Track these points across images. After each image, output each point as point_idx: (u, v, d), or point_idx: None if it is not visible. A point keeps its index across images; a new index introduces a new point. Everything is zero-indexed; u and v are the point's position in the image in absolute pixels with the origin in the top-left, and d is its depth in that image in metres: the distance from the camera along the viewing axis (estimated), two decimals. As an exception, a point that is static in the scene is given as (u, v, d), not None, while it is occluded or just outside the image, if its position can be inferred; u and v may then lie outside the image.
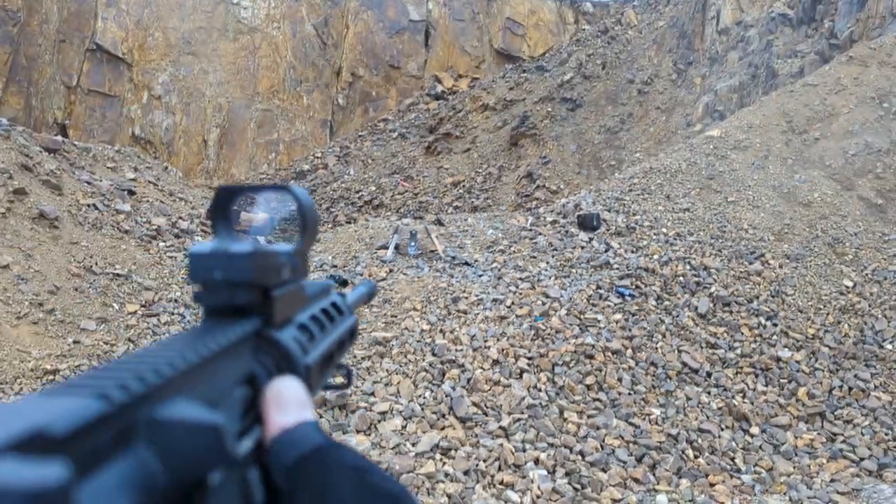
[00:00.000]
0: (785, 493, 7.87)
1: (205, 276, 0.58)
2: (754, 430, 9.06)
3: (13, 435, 0.32)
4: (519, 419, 8.23)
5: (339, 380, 0.83)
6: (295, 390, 0.58)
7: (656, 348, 10.14)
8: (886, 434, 9.12)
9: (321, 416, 7.80)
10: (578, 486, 7.39)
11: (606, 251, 12.45)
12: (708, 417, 9.14)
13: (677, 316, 10.85)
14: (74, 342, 10.05)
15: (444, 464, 7.29)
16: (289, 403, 0.57)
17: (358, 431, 7.68)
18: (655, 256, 12.16)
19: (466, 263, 12.57)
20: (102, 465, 0.37)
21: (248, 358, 0.59)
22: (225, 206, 0.66)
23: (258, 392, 0.57)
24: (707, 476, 8.05)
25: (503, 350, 9.44)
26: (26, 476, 0.30)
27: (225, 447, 0.43)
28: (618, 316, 10.56)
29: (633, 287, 11.32)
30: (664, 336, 10.42)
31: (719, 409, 9.34)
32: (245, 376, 0.57)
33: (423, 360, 9.21)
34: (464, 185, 27.34)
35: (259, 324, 0.61)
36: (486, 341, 9.68)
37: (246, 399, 0.55)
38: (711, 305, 11.15)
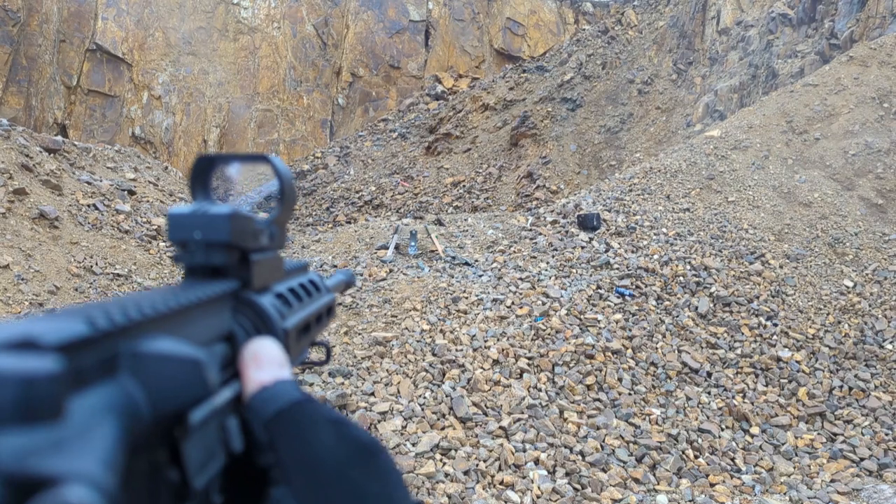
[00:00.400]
0: (785, 494, 7.87)
1: (183, 235, 0.59)
2: (754, 430, 9.06)
3: (3, 338, 0.33)
4: (519, 419, 8.23)
5: (318, 356, 0.84)
6: (273, 350, 0.60)
7: (656, 348, 10.14)
8: (886, 434, 9.12)
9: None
10: (578, 487, 7.39)
11: (606, 251, 12.45)
12: (708, 417, 9.14)
13: (677, 316, 10.85)
14: (74, 342, 10.04)
15: (444, 464, 7.29)
16: (267, 362, 0.58)
17: (358, 431, 7.67)
18: (655, 256, 12.16)
19: (466, 263, 12.57)
20: (88, 387, 0.38)
21: (228, 317, 0.60)
22: (204, 173, 0.67)
23: (236, 351, 0.58)
24: (707, 476, 8.05)
25: (503, 350, 9.44)
26: (20, 364, 0.32)
27: (206, 381, 0.44)
28: (618, 316, 10.56)
29: (634, 287, 11.32)
30: (664, 336, 10.42)
31: (719, 409, 9.34)
32: (224, 334, 0.58)
33: (424, 360, 9.21)
34: (464, 185, 27.34)
35: (237, 285, 0.62)
36: (486, 341, 9.68)
37: (225, 355, 0.56)
38: (711, 305, 11.15)
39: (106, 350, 0.40)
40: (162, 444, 0.44)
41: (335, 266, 12.81)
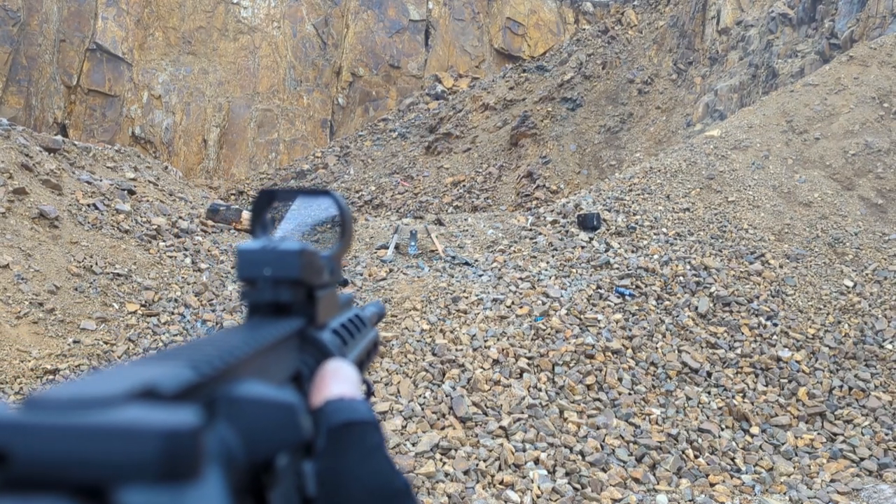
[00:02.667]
0: (785, 493, 7.87)
1: (253, 272, 0.59)
2: (754, 429, 9.06)
3: (127, 388, 0.32)
4: (519, 419, 8.23)
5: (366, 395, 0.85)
6: (352, 370, 0.61)
7: (656, 348, 10.14)
8: (886, 434, 9.12)
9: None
10: (578, 486, 7.39)
11: (606, 251, 12.45)
12: (708, 417, 9.14)
13: (677, 316, 10.85)
14: (74, 342, 10.05)
15: (444, 464, 7.29)
16: (346, 378, 0.59)
17: (358, 431, 7.68)
18: (655, 256, 12.16)
19: (466, 263, 12.56)
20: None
21: (295, 356, 0.60)
22: (264, 208, 0.67)
23: (304, 390, 0.58)
24: (707, 476, 8.05)
25: (503, 350, 9.44)
26: (160, 417, 0.30)
27: (300, 426, 0.43)
28: (618, 316, 10.56)
29: (633, 287, 11.32)
30: (664, 336, 10.42)
31: (719, 408, 9.34)
32: (292, 373, 0.58)
33: (423, 359, 9.21)
34: (464, 185, 27.34)
35: (303, 323, 0.62)
36: (486, 341, 9.68)
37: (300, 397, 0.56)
38: (711, 305, 11.15)
39: (208, 394, 0.40)
40: (248, 493, 0.42)
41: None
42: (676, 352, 10.14)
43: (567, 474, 7.53)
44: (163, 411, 0.31)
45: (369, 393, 0.82)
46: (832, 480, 8.19)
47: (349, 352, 0.71)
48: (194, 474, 0.31)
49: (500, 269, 12.04)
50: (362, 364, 0.76)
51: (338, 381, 0.58)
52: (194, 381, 0.37)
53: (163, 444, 0.29)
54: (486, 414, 8.33)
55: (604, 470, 7.75)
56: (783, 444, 8.85)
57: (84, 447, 0.29)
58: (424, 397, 8.46)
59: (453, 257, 12.89)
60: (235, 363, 0.44)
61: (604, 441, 8.25)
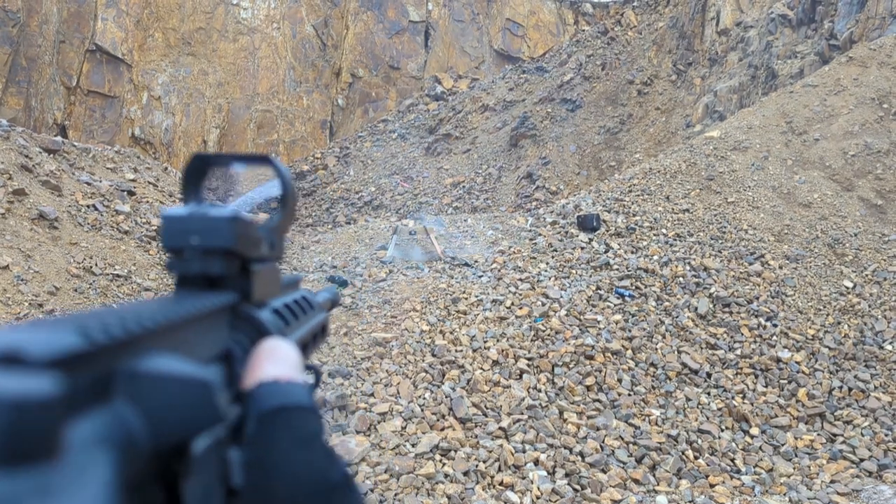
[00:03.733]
0: (785, 494, 7.87)
1: (180, 241, 0.53)
2: (754, 430, 9.06)
3: None
4: (519, 420, 8.23)
5: (309, 380, 0.80)
6: (290, 350, 0.56)
7: (656, 349, 10.14)
8: (886, 435, 9.12)
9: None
10: (578, 487, 7.39)
11: (606, 252, 12.45)
12: (708, 418, 9.14)
13: (677, 317, 10.85)
14: (74, 343, 10.04)
15: (444, 465, 7.29)
16: (284, 359, 0.54)
17: (358, 432, 7.68)
18: (655, 257, 12.16)
19: (466, 264, 12.56)
20: (79, 414, 0.32)
21: (225, 334, 0.54)
22: (199, 174, 0.60)
23: (234, 371, 0.53)
24: (707, 477, 8.05)
25: (503, 351, 9.44)
26: (11, 385, 0.26)
27: (215, 406, 0.39)
28: (617, 317, 10.56)
29: (633, 288, 11.32)
30: (664, 337, 10.42)
31: (719, 409, 9.34)
32: (221, 353, 0.52)
33: (423, 360, 9.20)
34: (463, 186, 27.34)
35: (236, 298, 0.56)
36: (485, 342, 9.68)
37: (222, 377, 0.51)
38: (711, 306, 11.15)
39: (100, 369, 0.35)
40: (157, 482, 0.37)
41: (335, 267, 12.80)
42: (676, 353, 10.14)
43: (567, 475, 7.53)
44: (13, 378, 0.27)
45: (317, 381, 0.77)
46: (832, 481, 8.19)
47: (291, 332, 0.64)
48: (47, 455, 0.26)
49: (499, 270, 12.04)
50: (306, 347, 0.71)
51: (273, 361, 0.53)
52: (78, 350, 0.32)
53: (4, 418, 0.25)
54: (485, 415, 8.33)
55: (603, 471, 7.75)
56: (783, 444, 8.85)
57: None
58: (424, 398, 8.46)
59: (453, 258, 12.89)
60: (141, 334, 0.38)
61: (603, 442, 8.25)
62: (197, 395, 0.38)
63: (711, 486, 7.87)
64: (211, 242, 0.53)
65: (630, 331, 10.33)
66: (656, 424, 8.76)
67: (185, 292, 0.54)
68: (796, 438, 9.00)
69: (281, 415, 0.49)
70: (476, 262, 12.69)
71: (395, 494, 6.70)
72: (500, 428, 8.06)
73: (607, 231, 13.12)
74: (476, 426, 8.10)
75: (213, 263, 0.54)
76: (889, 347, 10.76)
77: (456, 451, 7.52)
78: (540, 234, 13.43)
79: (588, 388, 9.18)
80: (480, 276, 11.85)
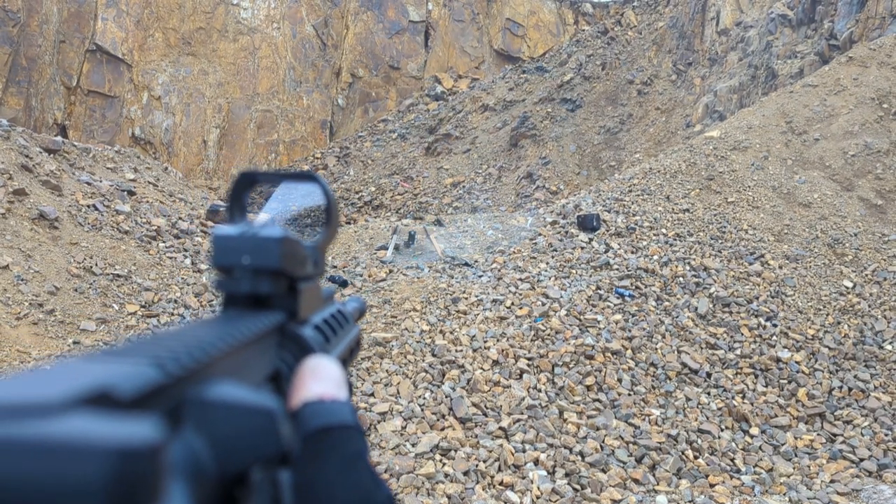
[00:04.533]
0: (785, 494, 7.87)
1: (230, 260, 0.53)
2: (754, 430, 9.06)
3: (76, 391, 0.27)
4: (519, 420, 8.24)
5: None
6: (334, 368, 0.56)
7: (656, 349, 10.15)
8: (886, 435, 9.12)
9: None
10: (578, 487, 7.39)
11: (606, 252, 12.46)
12: (708, 418, 9.14)
13: (677, 316, 10.85)
14: (74, 343, 10.05)
15: (444, 464, 7.30)
16: (327, 377, 0.54)
17: (358, 432, 7.68)
18: (655, 257, 12.16)
19: (466, 264, 12.57)
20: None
21: (273, 354, 0.54)
22: (245, 191, 0.61)
23: (282, 391, 0.53)
24: (707, 477, 8.06)
25: (503, 351, 9.44)
26: (112, 431, 0.25)
27: (280, 435, 0.38)
28: (617, 316, 10.56)
29: (633, 288, 11.32)
30: (664, 337, 10.42)
31: (719, 409, 9.34)
32: (271, 373, 0.53)
33: (423, 360, 9.21)
34: (463, 186, 27.34)
35: (284, 317, 0.57)
36: (485, 342, 9.68)
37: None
38: (711, 306, 11.16)
39: (174, 397, 0.34)
40: None
41: (335, 267, 12.81)
42: (676, 352, 10.14)
43: (567, 475, 7.54)
44: (116, 423, 0.26)
45: (350, 391, 0.77)
46: (832, 481, 8.20)
47: (332, 348, 0.65)
48: (153, 500, 0.26)
49: (499, 270, 12.05)
50: (345, 362, 0.71)
51: (318, 380, 0.53)
52: (159, 383, 0.32)
53: (113, 466, 0.24)
54: (485, 415, 8.34)
55: (603, 471, 7.75)
56: (783, 444, 8.85)
57: (12, 468, 0.23)
58: (424, 398, 8.46)
59: (453, 258, 12.90)
60: (207, 361, 0.38)
61: (603, 442, 8.26)
62: (262, 424, 0.38)
63: (711, 485, 7.88)
64: (261, 262, 0.53)
65: (630, 331, 10.34)
66: (656, 424, 8.76)
67: (233, 311, 0.54)
68: (796, 438, 9.00)
69: (327, 435, 0.49)
70: (476, 261, 12.69)
71: (396, 494, 6.70)
72: (500, 428, 8.07)
73: (607, 231, 13.12)
74: (476, 426, 8.10)
75: (262, 283, 0.54)
76: (889, 347, 10.77)
77: (456, 450, 7.53)
78: (540, 234, 13.44)
79: (588, 387, 9.18)
80: (480, 276, 11.85)
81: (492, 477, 7.30)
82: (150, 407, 0.31)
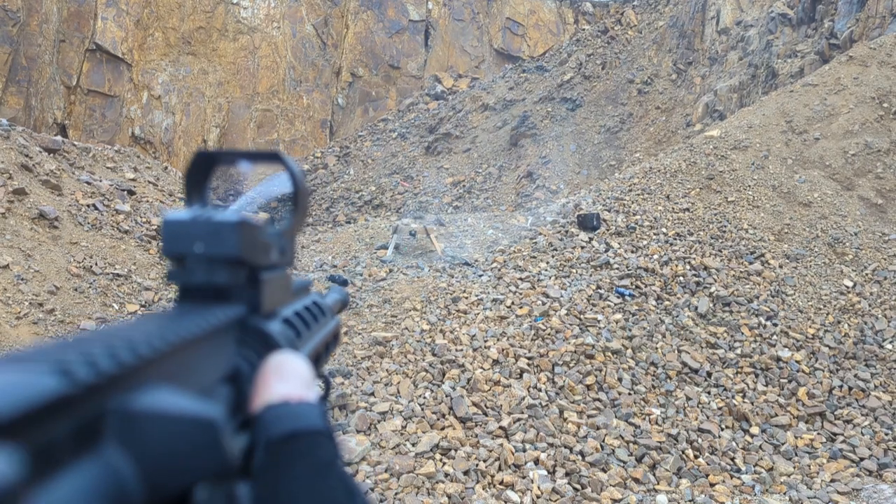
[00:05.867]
0: (785, 493, 7.87)
1: (182, 248, 0.48)
2: (754, 430, 9.06)
3: None
4: (519, 419, 8.23)
5: (318, 389, 0.73)
6: (301, 365, 0.50)
7: (656, 348, 10.14)
8: (886, 434, 9.12)
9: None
10: (578, 487, 7.39)
11: (606, 251, 12.45)
12: (708, 417, 9.14)
13: (677, 316, 10.85)
14: (74, 342, 10.04)
15: (444, 464, 7.29)
16: (293, 376, 0.49)
17: (358, 431, 7.68)
18: (655, 256, 12.16)
19: (466, 263, 12.56)
20: (57, 470, 0.27)
21: (232, 351, 0.49)
22: (203, 172, 0.55)
23: (242, 392, 0.47)
24: (707, 476, 8.06)
25: (503, 350, 9.44)
26: None
27: (222, 449, 0.34)
28: (618, 316, 10.56)
29: (633, 287, 11.32)
30: (664, 336, 10.42)
31: (719, 409, 9.34)
32: (228, 372, 0.48)
33: (423, 360, 9.21)
34: (464, 185, 27.34)
35: (244, 311, 0.52)
36: (486, 341, 9.68)
37: (230, 400, 0.46)
38: (711, 305, 11.15)
39: (87, 410, 0.29)
40: None
41: (335, 266, 12.80)
42: (676, 352, 10.14)
43: (567, 474, 7.53)
44: None
45: (327, 392, 0.71)
46: (832, 480, 8.19)
47: (303, 344, 0.60)
48: None
49: (499, 270, 12.04)
50: (319, 358, 0.66)
51: (282, 379, 0.48)
52: (58, 395, 0.27)
53: None
54: (485, 414, 8.33)
55: (604, 470, 7.75)
56: (783, 444, 8.85)
57: None
58: (424, 397, 8.46)
59: (453, 257, 12.89)
60: (136, 364, 0.33)
61: (604, 441, 8.26)
62: (200, 437, 0.33)
63: (711, 485, 7.88)
64: (216, 250, 0.48)
65: (630, 330, 10.33)
66: (656, 423, 8.76)
67: (187, 305, 0.49)
68: (796, 437, 9.00)
69: (292, 442, 0.44)
70: (476, 261, 12.69)
71: (396, 494, 6.70)
72: (501, 427, 8.07)
73: (607, 230, 13.11)
74: (476, 425, 8.10)
75: (218, 273, 0.49)
76: (889, 346, 10.76)
77: (456, 450, 7.52)
78: (540, 234, 13.43)
79: (588, 387, 9.18)
80: (481, 276, 11.85)
81: (492, 476, 7.30)
82: (44, 427, 0.27)
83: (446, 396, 8.43)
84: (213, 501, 0.35)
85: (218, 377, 0.46)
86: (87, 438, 0.30)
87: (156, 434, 0.32)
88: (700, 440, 8.63)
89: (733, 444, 8.74)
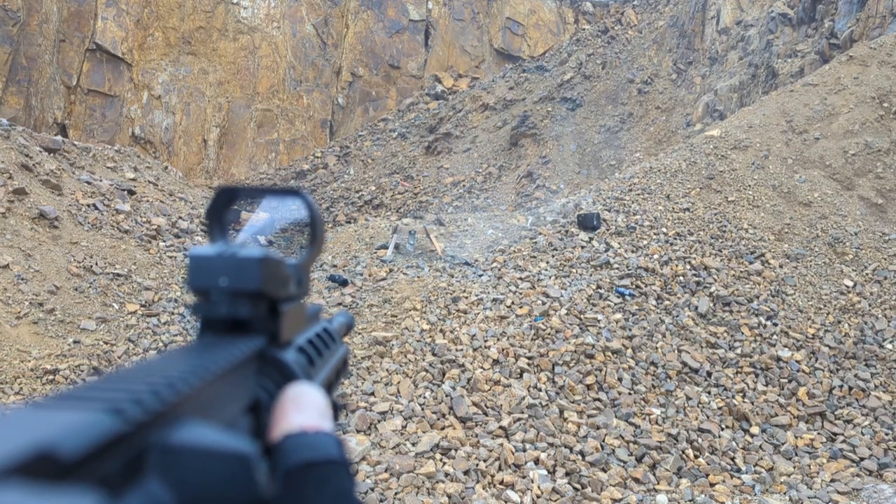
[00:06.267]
0: (785, 493, 7.87)
1: (207, 282, 0.50)
2: (754, 429, 9.06)
3: (13, 455, 0.25)
4: (519, 419, 8.23)
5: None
6: (317, 396, 0.52)
7: (656, 348, 10.14)
8: (886, 434, 9.12)
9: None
10: (578, 486, 7.39)
11: (606, 251, 12.45)
12: (708, 417, 9.14)
13: (677, 316, 10.84)
14: (74, 342, 10.05)
15: (444, 464, 7.29)
16: (310, 407, 0.50)
17: (358, 431, 7.68)
18: (655, 256, 12.16)
19: (466, 263, 12.56)
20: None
21: (252, 381, 0.51)
22: (225, 207, 0.58)
23: (262, 422, 0.49)
24: (707, 476, 8.05)
25: (503, 350, 9.44)
26: None
27: (255, 482, 0.35)
28: (618, 316, 10.55)
29: (633, 287, 11.32)
30: (664, 336, 10.42)
31: (719, 408, 9.34)
32: (249, 403, 0.49)
33: (424, 359, 9.20)
34: (464, 185, 27.33)
35: (264, 342, 0.53)
36: (486, 341, 9.68)
37: (251, 430, 0.48)
38: (711, 305, 11.15)
39: (134, 445, 0.31)
40: None
41: (335, 266, 12.80)
42: (676, 352, 10.14)
43: (567, 474, 7.53)
44: (49, 500, 0.23)
45: (337, 416, 0.71)
46: (832, 480, 8.19)
47: (316, 372, 0.61)
48: None
49: (499, 269, 12.04)
50: (331, 386, 0.67)
51: (299, 410, 0.49)
52: (115, 433, 0.29)
53: None
54: (486, 414, 8.33)
55: (604, 470, 7.75)
56: (783, 443, 8.85)
57: None
58: (424, 397, 8.46)
59: (453, 257, 12.89)
60: (176, 401, 0.35)
61: (604, 441, 8.25)
62: (235, 471, 0.35)
63: (711, 484, 7.87)
64: (240, 284, 0.50)
65: (630, 330, 10.33)
66: (656, 423, 8.76)
67: (210, 338, 0.51)
68: (796, 437, 9.00)
69: (310, 471, 0.45)
70: (476, 261, 12.69)
71: (396, 493, 6.70)
72: (501, 427, 8.07)
73: (608, 230, 13.11)
74: (476, 425, 8.10)
75: (241, 306, 0.51)
76: (889, 346, 10.76)
77: (456, 450, 7.52)
78: (540, 233, 13.43)
79: (588, 386, 9.18)
80: (481, 276, 11.85)
81: (492, 476, 7.30)
82: (102, 463, 0.28)
83: (446, 396, 8.43)
84: None
85: (241, 408, 0.47)
86: (133, 472, 0.32)
87: (194, 467, 0.33)
88: (700, 440, 8.62)
89: (733, 443, 8.73)
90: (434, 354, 9.30)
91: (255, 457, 0.36)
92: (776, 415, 9.33)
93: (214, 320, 0.51)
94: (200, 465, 0.34)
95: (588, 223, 13.19)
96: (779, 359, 10.27)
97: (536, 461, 7.61)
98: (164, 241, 13.79)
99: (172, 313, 11.33)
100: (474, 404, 8.42)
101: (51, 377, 9.10)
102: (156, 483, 0.32)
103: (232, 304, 0.51)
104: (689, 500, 7.48)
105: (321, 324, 0.72)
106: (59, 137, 16.66)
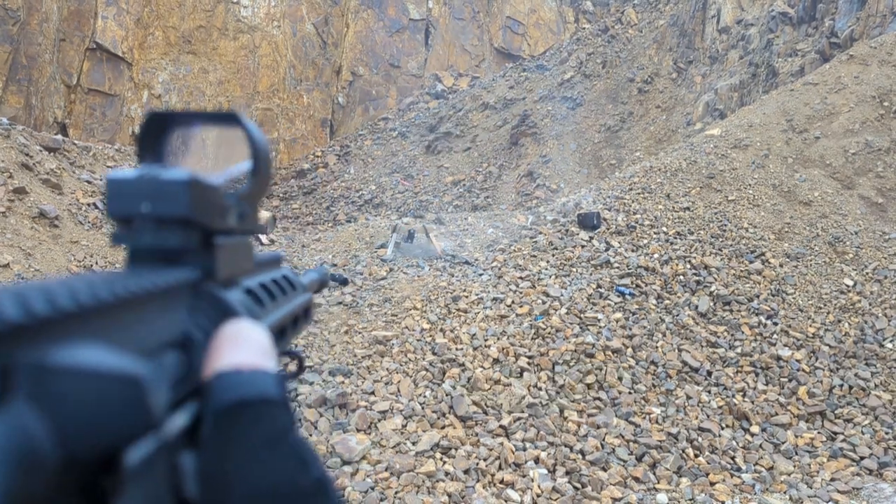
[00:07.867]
0: (785, 492, 7.87)
1: (128, 208, 0.45)
2: (755, 429, 9.06)
3: None
4: (519, 418, 8.24)
5: (291, 368, 0.68)
6: (259, 334, 0.48)
7: (656, 347, 10.14)
8: (887, 433, 9.12)
9: (321, 416, 7.81)
10: (579, 485, 7.40)
11: (607, 250, 12.45)
12: (708, 416, 9.14)
13: (677, 315, 10.84)
14: (75, 341, 10.05)
15: (445, 463, 7.30)
16: (249, 344, 0.46)
17: (358, 430, 7.68)
18: (656, 255, 12.16)
19: (467, 262, 12.56)
20: None
21: (183, 316, 0.46)
22: (156, 135, 0.53)
23: (194, 360, 0.44)
24: (707, 475, 8.06)
25: (503, 349, 9.44)
26: None
27: (147, 407, 0.31)
28: (618, 315, 10.56)
29: (634, 286, 11.32)
30: (664, 335, 10.42)
31: (719, 408, 9.34)
32: (178, 338, 0.44)
33: (424, 359, 9.21)
34: (464, 184, 27.33)
35: (198, 275, 0.48)
36: (486, 340, 9.68)
37: (178, 367, 0.43)
38: (712, 304, 11.15)
39: None
40: (79, 501, 0.30)
41: (335, 265, 12.81)
42: (677, 351, 10.14)
43: (567, 473, 7.54)
44: None
45: (300, 369, 0.68)
46: (832, 479, 8.20)
47: (266, 315, 0.57)
48: None
49: (500, 269, 12.04)
50: (284, 331, 0.63)
51: (236, 347, 0.45)
52: None
53: None
54: (486, 413, 8.34)
55: (604, 469, 7.76)
56: (783, 443, 8.85)
57: None
58: (425, 396, 8.46)
59: (453, 256, 12.89)
60: (52, 316, 0.30)
61: (604, 440, 8.26)
62: (123, 396, 0.31)
63: (712, 484, 7.88)
64: (164, 210, 0.45)
65: (630, 329, 10.33)
66: (657, 422, 8.76)
67: (136, 269, 0.46)
68: (797, 436, 9.00)
69: (241, 411, 0.41)
70: (476, 260, 12.69)
71: (396, 493, 6.70)
72: (501, 426, 8.07)
73: (608, 229, 13.11)
74: (476, 424, 8.10)
75: (168, 234, 0.46)
76: (889, 345, 10.76)
77: (456, 449, 7.53)
78: (540, 233, 13.43)
79: (588, 386, 9.18)
80: (481, 275, 11.85)
81: (492, 475, 7.30)
82: None
83: (447, 395, 8.44)
84: (148, 472, 0.33)
85: (164, 341, 0.43)
86: None
87: (74, 391, 0.29)
88: (700, 439, 8.63)
89: (733, 443, 8.74)
90: (434, 353, 9.30)
91: (150, 380, 0.32)
92: (776, 414, 9.33)
93: (141, 250, 0.47)
94: (82, 388, 0.29)
95: (588, 222, 13.19)
96: (779, 358, 10.27)
97: (536, 460, 7.61)
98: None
99: (173, 312, 11.33)
100: (474, 403, 8.42)
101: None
102: (23, 406, 0.28)
103: (157, 232, 0.46)
104: (690, 499, 7.49)
105: (281, 270, 0.67)
106: (59, 136, 16.66)
